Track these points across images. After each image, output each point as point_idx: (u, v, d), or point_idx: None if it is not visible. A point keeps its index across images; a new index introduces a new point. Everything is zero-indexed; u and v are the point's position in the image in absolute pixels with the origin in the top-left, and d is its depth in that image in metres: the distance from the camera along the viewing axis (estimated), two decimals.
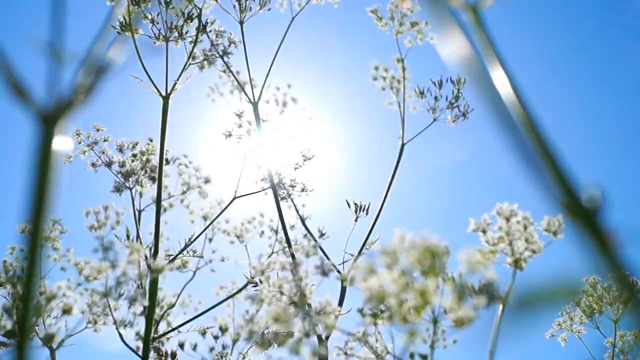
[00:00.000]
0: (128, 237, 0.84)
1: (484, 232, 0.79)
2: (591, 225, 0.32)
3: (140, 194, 1.35)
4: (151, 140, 1.08)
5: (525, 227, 0.79)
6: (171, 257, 0.95)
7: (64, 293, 0.74)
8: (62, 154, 0.31)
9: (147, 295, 0.84)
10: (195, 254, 1.12)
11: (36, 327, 0.82)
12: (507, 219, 0.75)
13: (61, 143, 0.31)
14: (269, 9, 1.13)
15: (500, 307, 0.69)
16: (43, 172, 0.30)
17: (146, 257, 0.82)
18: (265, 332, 0.78)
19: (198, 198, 1.53)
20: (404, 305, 0.53)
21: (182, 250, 0.87)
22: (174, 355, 0.85)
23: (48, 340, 0.71)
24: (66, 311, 0.75)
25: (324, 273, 0.74)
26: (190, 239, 0.86)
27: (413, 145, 1.33)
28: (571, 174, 0.34)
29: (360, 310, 0.62)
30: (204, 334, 1.55)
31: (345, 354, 0.78)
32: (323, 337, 0.83)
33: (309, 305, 0.73)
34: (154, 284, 0.80)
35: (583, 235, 0.33)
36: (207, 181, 1.52)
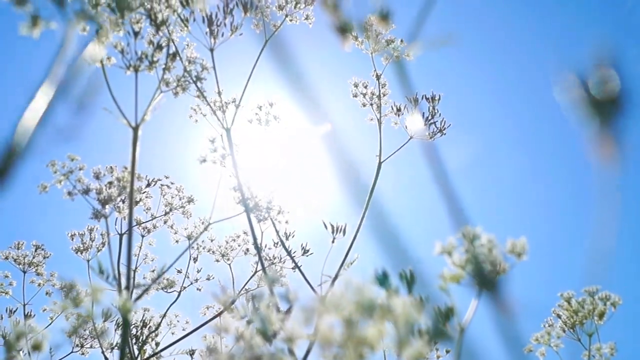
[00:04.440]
0: (101, 271, 0.85)
1: (450, 254, 0.80)
2: (492, 293, 0.33)
3: (125, 218, 1.36)
4: (126, 168, 1.09)
5: (490, 250, 0.80)
6: (143, 290, 0.95)
7: (33, 329, 0.75)
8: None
9: (120, 327, 0.85)
10: (167, 286, 1.13)
11: None
12: (471, 242, 0.76)
13: None
14: (240, 34, 1.14)
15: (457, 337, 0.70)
16: None
17: (119, 289, 0.83)
18: None
19: (182, 218, 1.54)
20: (353, 349, 0.54)
21: (153, 282, 0.88)
22: None
23: None
24: (36, 347, 0.76)
25: (289, 301, 0.75)
26: (162, 270, 0.87)
27: (391, 162, 1.33)
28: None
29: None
30: (192, 355, 1.56)
31: None
32: None
33: (275, 333, 0.73)
34: (125, 318, 0.81)
35: (488, 299, 0.34)
36: (190, 201, 1.53)
